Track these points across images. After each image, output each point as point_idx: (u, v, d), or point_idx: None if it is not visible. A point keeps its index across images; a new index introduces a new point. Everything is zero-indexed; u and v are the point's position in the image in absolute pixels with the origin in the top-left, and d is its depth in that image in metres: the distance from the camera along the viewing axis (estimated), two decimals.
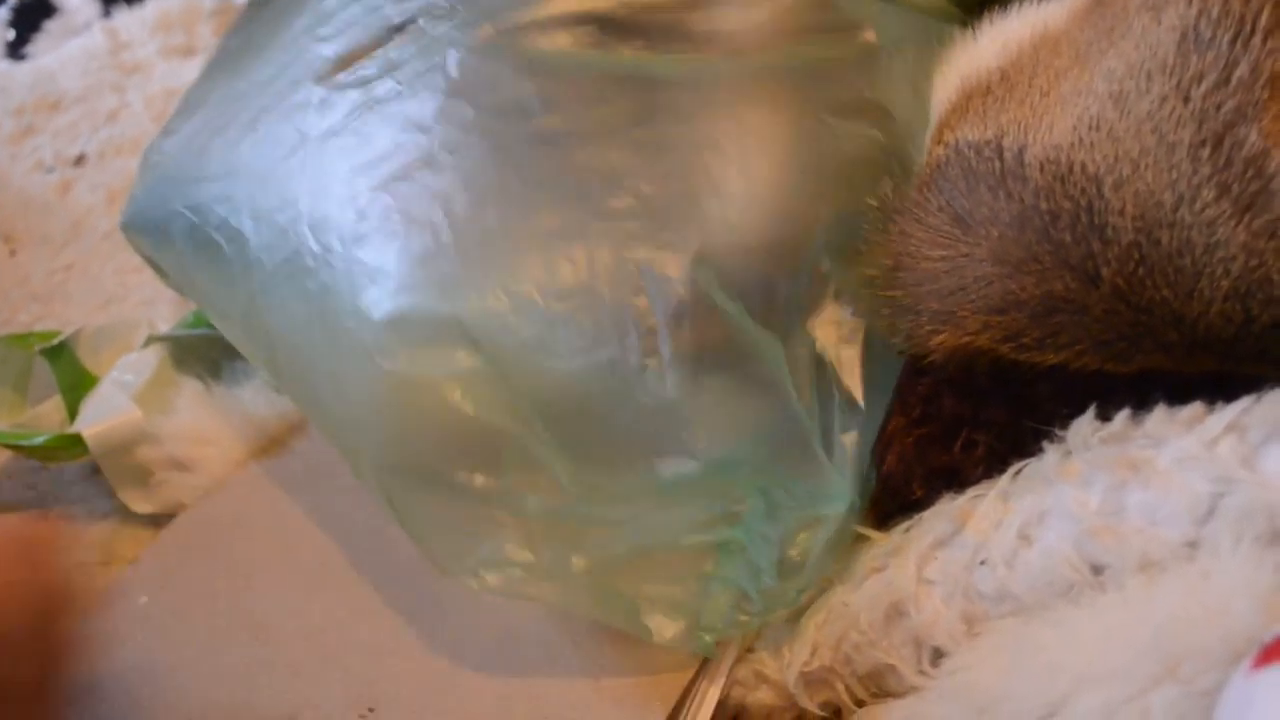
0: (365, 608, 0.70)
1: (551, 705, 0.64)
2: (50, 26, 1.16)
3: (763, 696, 0.63)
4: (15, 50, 1.15)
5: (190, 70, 1.08)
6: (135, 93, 1.08)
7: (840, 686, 0.60)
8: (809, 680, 0.61)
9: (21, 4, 1.17)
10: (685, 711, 0.63)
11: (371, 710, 0.67)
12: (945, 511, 0.58)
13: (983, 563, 0.55)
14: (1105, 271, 0.51)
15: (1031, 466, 0.56)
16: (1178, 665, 0.47)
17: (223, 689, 0.70)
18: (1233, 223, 0.48)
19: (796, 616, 0.62)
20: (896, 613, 0.58)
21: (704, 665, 0.64)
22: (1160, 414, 0.53)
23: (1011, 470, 0.57)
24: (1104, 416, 0.55)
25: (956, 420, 0.60)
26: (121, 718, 0.71)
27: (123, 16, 1.14)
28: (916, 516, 0.60)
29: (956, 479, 0.59)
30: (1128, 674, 0.48)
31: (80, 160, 1.05)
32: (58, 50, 1.14)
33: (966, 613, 0.56)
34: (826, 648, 0.60)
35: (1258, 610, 0.46)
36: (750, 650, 0.64)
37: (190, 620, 0.74)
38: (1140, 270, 0.50)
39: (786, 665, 0.61)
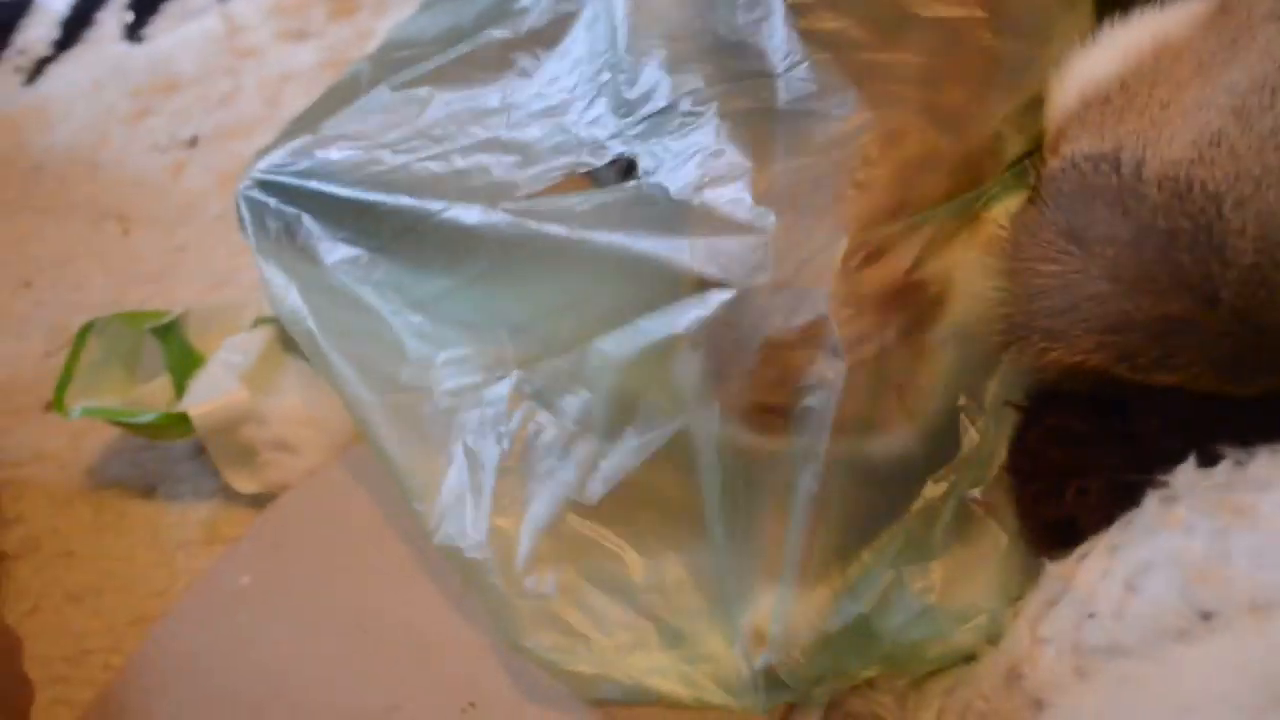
0: (466, 600, 0.70)
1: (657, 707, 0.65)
2: (168, 9, 1.17)
3: None
4: (134, 32, 1.16)
5: (303, 54, 1.09)
6: (249, 76, 1.09)
7: None
8: None
9: None
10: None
11: (473, 705, 0.67)
12: (1055, 571, 0.57)
13: (1091, 616, 0.54)
14: (1224, 293, 0.49)
15: (1136, 516, 0.55)
16: None
17: (322, 674, 0.71)
18: None
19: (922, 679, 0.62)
20: (1015, 675, 0.57)
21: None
22: (1265, 457, 0.52)
23: (1120, 522, 0.56)
24: (1212, 453, 0.53)
25: (1066, 470, 0.58)
26: (218, 694, 0.72)
27: (239, 1, 1.16)
28: None
29: (1075, 530, 0.58)
30: (1234, 704, 0.47)
31: (193, 142, 1.06)
32: (175, 33, 1.15)
33: (1078, 668, 0.54)
34: (952, 714, 0.59)
35: None
36: (870, 685, 0.63)
37: (291, 603, 0.75)
38: (1261, 292, 0.49)
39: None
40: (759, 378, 0.60)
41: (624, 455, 0.64)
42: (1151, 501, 0.54)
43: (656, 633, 0.64)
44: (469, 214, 0.67)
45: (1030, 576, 0.59)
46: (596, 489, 0.65)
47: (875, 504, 0.61)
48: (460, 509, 0.67)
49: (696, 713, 0.64)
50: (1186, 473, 0.53)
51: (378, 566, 0.74)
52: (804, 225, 0.59)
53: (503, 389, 0.68)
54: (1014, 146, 0.63)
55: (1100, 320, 0.52)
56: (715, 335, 0.61)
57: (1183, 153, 0.51)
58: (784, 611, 0.60)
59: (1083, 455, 0.57)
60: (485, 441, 0.68)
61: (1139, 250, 0.51)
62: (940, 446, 0.61)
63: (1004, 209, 0.61)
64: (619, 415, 0.64)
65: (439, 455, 0.69)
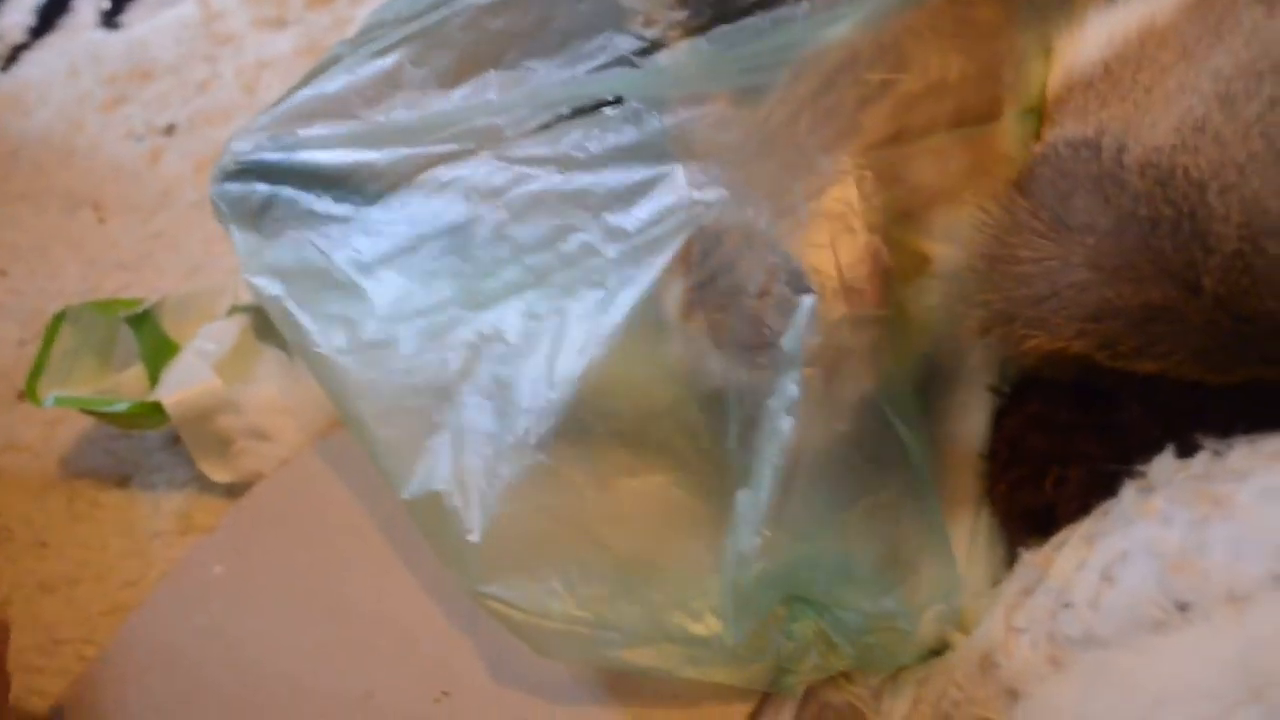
0: (440, 589, 0.70)
1: (631, 694, 0.64)
2: None
3: None
4: (110, 19, 1.16)
5: (281, 42, 1.09)
6: (226, 63, 1.09)
7: None
8: None
9: None
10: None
11: (446, 694, 0.67)
12: (1031, 560, 0.57)
13: (1067, 605, 0.54)
14: (1206, 281, 0.49)
15: (1114, 505, 0.55)
16: (1265, 688, 0.45)
17: (296, 663, 0.70)
18: None
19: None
20: (989, 664, 0.56)
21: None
22: (1243, 448, 0.51)
23: (1097, 512, 0.55)
24: (1191, 443, 0.53)
25: (1045, 458, 0.58)
26: (193, 683, 0.71)
27: None
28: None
29: (1052, 518, 0.57)
30: (1210, 694, 0.47)
31: (170, 129, 1.05)
32: (151, 20, 1.14)
33: (1054, 657, 0.54)
34: (927, 704, 0.59)
35: None
36: (846, 676, 0.62)
37: (265, 592, 0.74)
38: (1244, 280, 0.48)
39: (885, 714, 0.60)
40: (738, 314, 0.59)
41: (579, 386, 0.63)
42: (1129, 491, 0.54)
43: (618, 565, 0.63)
44: (452, 170, 0.67)
45: (1004, 565, 0.59)
46: (551, 422, 0.63)
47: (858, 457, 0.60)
48: (427, 460, 0.66)
49: (681, 701, 0.64)
50: (1164, 463, 0.53)
51: (353, 555, 0.74)
52: (795, 159, 0.59)
53: (466, 333, 0.66)
54: (1038, 75, 0.62)
55: (1081, 308, 0.52)
56: (697, 264, 0.60)
57: (1165, 139, 0.51)
58: (756, 517, 0.59)
59: (1064, 443, 0.57)
60: (450, 388, 0.66)
61: (1120, 238, 0.51)
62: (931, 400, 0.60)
63: (1018, 137, 0.60)
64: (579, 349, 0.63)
65: (407, 407, 0.68)
